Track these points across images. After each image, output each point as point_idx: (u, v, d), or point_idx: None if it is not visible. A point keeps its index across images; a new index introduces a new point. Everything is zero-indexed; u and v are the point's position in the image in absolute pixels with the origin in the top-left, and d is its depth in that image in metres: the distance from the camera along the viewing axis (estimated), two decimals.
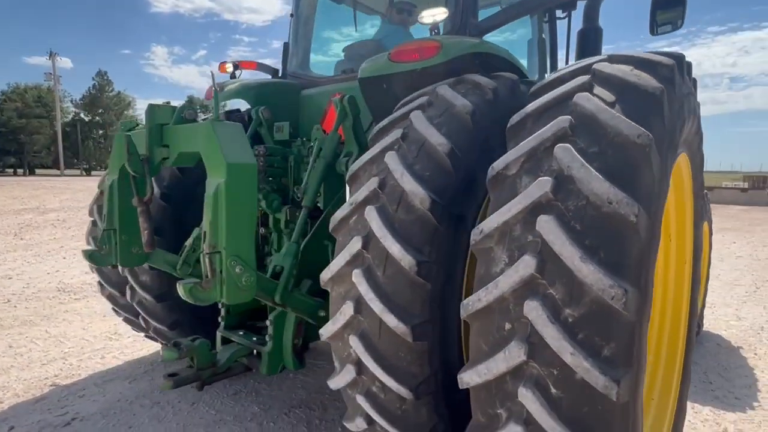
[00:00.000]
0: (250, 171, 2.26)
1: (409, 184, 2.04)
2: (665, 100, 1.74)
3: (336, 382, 2.24)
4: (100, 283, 4.27)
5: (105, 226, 2.90)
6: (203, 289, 2.16)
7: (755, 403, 4.02)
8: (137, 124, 2.93)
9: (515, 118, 1.94)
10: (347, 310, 2.10)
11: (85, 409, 3.75)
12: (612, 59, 1.94)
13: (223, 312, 3.39)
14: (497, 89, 2.38)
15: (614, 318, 1.46)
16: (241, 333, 3.27)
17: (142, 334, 4.41)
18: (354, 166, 2.36)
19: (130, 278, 3.69)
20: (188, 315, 3.76)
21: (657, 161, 1.63)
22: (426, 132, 2.16)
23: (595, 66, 1.89)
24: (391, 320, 1.96)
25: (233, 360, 3.10)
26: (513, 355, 1.56)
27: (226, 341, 3.32)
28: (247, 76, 4.41)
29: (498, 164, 1.82)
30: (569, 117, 1.72)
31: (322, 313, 2.82)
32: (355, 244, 2.10)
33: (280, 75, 4.43)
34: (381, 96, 2.91)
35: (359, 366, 2.10)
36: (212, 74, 2.65)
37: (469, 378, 1.70)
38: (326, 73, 4.19)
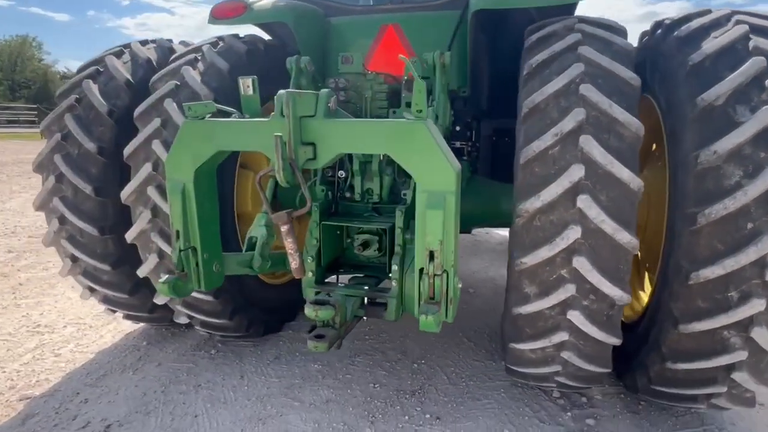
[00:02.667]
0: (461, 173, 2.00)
1: (621, 114, 2.25)
2: None
3: (539, 305, 2.38)
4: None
5: (181, 246, 2.28)
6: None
7: None
8: (216, 109, 2.24)
9: None
10: (571, 234, 2.23)
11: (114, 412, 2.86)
12: None
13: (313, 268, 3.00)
14: None
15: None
16: (358, 284, 2.96)
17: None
18: (531, 101, 2.39)
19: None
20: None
21: None
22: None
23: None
24: (623, 236, 2.20)
25: (355, 313, 2.82)
26: None
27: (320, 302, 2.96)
28: None
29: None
30: None
31: None
32: (577, 172, 2.22)
33: None
34: (494, 31, 2.88)
35: (578, 282, 2.29)
36: None
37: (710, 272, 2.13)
38: (360, 1, 3.74)
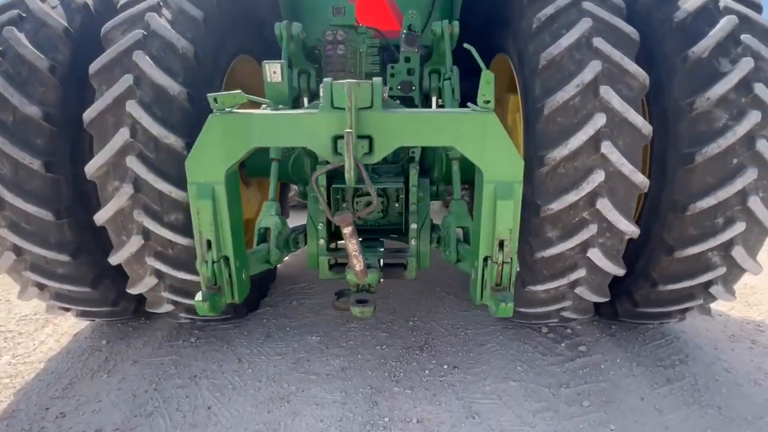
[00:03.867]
0: None
1: (630, 65, 2.45)
2: None
3: (562, 247, 2.56)
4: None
5: (214, 257, 1.99)
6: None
7: None
8: (246, 100, 1.94)
9: None
10: (596, 178, 2.42)
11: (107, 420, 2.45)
12: None
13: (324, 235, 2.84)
14: None
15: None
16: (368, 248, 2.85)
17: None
18: (548, 54, 2.49)
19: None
20: None
21: None
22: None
23: None
24: (638, 177, 2.45)
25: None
26: None
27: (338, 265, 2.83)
28: None
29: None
30: None
31: None
32: (600, 120, 2.38)
33: None
34: None
35: (599, 222, 2.51)
36: None
37: None
38: None
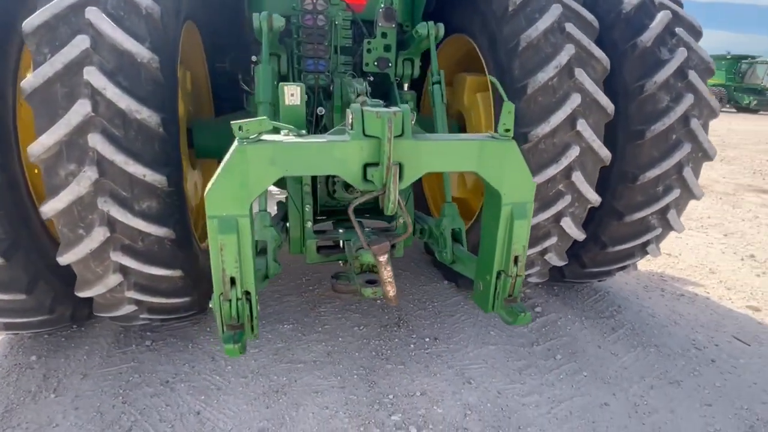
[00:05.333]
0: None
1: (596, 50, 2.71)
2: None
3: (538, 218, 2.79)
4: None
5: (238, 294, 1.81)
6: None
7: None
8: (272, 127, 1.77)
9: None
10: (572, 153, 2.66)
11: None
12: None
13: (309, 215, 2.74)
14: None
15: None
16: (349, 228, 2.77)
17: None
18: (527, 36, 2.64)
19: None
20: None
21: None
22: None
23: None
24: (604, 151, 2.75)
25: None
26: None
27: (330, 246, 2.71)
28: None
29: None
30: None
31: None
32: (576, 100, 2.61)
33: None
34: None
35: (572, 193, 2.77)
36: None
37: None
38: None
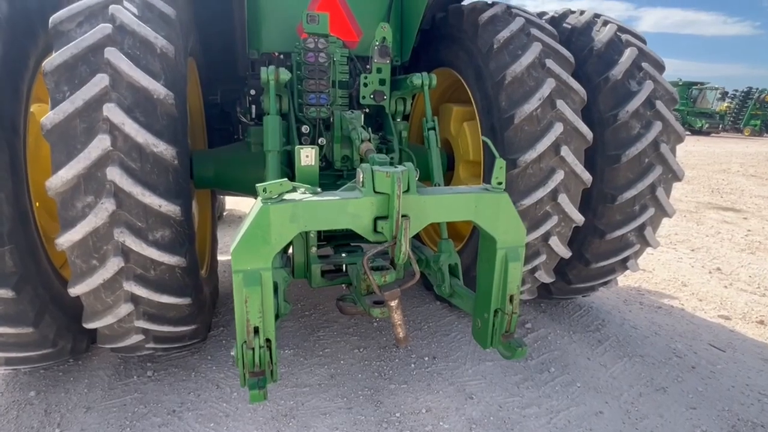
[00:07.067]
0: None
1: (574, 83, 2.98)
2: None
3: (528, 238, 2.98)
4: None
5: (261, 343, 1.93)
6: None
7: None
8: (292, 188, 1.94)
9: None
10: (557, 177, 2.88)
11: None
12: None
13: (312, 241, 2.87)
14: None
15: None
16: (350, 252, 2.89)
17: None
18: (513, 71, 2.88)
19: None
20: None
21: None
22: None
23: None
24: (586, 176, 2.98)
25: None
26: None
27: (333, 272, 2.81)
28: None
29: None
30: None
31: None
32: (559, 128, 2.84)
33: None
34: None
35: (559, 214, 2.98)
36: None
37: None
38: None
